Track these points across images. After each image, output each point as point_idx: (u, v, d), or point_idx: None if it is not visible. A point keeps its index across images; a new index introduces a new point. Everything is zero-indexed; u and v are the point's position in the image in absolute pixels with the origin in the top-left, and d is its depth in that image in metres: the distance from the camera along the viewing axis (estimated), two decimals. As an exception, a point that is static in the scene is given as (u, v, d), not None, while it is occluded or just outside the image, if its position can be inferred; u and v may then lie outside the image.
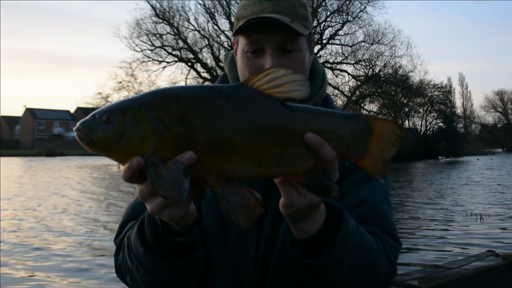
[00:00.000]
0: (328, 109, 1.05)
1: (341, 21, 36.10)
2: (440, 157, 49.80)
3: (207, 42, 36.47)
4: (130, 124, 0.92)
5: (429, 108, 47.87)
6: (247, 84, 0.97)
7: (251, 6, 1.34)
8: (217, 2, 35.75)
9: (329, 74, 34.18)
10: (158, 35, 35.46)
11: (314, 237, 1.11)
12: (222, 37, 36.85)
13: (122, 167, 0.94)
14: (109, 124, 0.92)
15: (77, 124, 0.94)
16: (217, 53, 36.71)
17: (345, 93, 37.81)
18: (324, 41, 35.76)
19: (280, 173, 0.99)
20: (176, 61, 36.16)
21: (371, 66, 37.28)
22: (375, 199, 1.33)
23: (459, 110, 67.19)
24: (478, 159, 47.78)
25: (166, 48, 35.79)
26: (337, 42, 36.77)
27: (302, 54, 1.34)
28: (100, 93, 35.68)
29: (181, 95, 0.95)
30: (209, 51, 36.60)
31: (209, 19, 36.39)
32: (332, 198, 1.00)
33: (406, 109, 45.14)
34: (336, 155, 0.98)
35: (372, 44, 36.71)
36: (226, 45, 36.42)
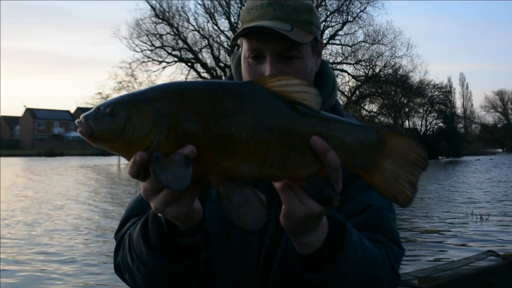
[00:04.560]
0: (337, 116, 1.03)
1: (341, 21, 36.14)
2: (440, 157, 49.73)
3: (207, 42, 36.52)
4: (134, 117, 0.91)
5: (429, 108, 47.83)
6: (257, 83, 0.95)
7: (253, 10, 1.32)
8: (216, 2, 35.78)
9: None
10: (158, 35, 35.51)
11: (316, 252, 1.09)
12: (222, 37, 36.92)
13: (126, 167, 0.93)
14: (113, 117, 0.91)
15: (81, 116, 0.93)
16: (217, 53, 36.77)
17: (345, 93, 37.80)
18: (324, 41, 35.59)
19: (283, 175, 0.96)
20: (176, 61, 36.18)
21: (371, 66, 37.32)
22: (378, 205, 1.32)
23: (459, 110, 67.34)
24: (478, 159, 47.78)
25: (166, 48, 35.84)
26: (337, 42, 36.84)
27: (304, 61, 1.31)
28: (100, 93, 35.85)
29: (186, 90, 0.94)
30: (209, 51, 36.64)
31: (209, 19, 36.45)
32: (334, 207, 0.99)
33: (406, 109, 45.13)
34: (340, 163, 0.96)
35: (372, 44, 36.75)
36: (226, 45, 36.42)
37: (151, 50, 35.50)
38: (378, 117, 42.16)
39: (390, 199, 0.99)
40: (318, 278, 1.10)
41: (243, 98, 0.94)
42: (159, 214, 1.05)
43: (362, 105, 40.40)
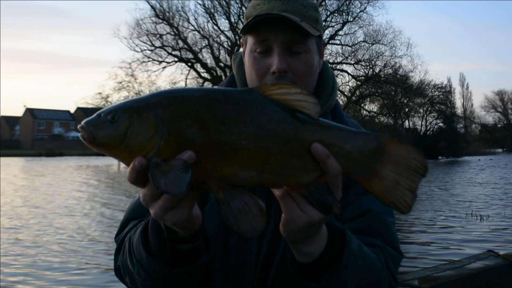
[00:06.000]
0: (337, 123, 1.02)
1: (341, 21, 36.11)
2: (440, 157, 49.71)
3: (207, 42, 36.48)
4: (134, 124, 0.92)
5: (429, 108, 47.79)
6: (257, 91, 0.95)
7: (261, 5, 1.33)
8: (216, 2, 35.76)
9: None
10: (158, 35, 35.47)
11: (316, 261, 1.09)
12: (222, 37, 36.89)
13: (126, 168, 0.93)
14: (114, 123, 0.92)
15: (82, 122, 0.94)
16: (217, 53, 36.73)
17: (345, 93, 37.76)
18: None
19: (283, 182, 0.96)
20: (176, 61, 36.15)
21: (371, 66, 37.26)
22: (378, 210, 1.32)
23: (459, 110, 67.35)
24: (479, 159, 47.78)
25: (166, 48, 35.80)
26: (337, 42, 36.79)
27: (311, 56, 1.32)
28: (100, 93, 35.76)
29: (187, 97, 0.94)
30: (209, 51, 36.61)
31: (209, 19, 36.43)
32: (334, 214, 0.98)
33: (406, 109, 45.08)
34: (341, 170, 0.96)
35: (372, 44, 36.72)
36: (226, 45, 36.42)
37: (151, 50, 35.50)
38: (378, 117, 42.13)
39: (390, 206, 0.99)
40: (318, 287, 1.10)
41: (243, 105, 0.94)
42: (159, 220, 1.05)
43: (362, 105, 40.35)
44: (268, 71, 1.30)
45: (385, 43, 36.75)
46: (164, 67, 35.94)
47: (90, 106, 35.84)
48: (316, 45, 1.36)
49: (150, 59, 35.47)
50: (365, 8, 35.85)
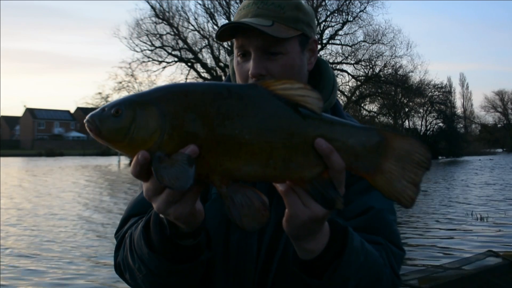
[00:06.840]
0: (340, 118, 1.03)
1: (341, 21, 36.11)
2: (440, 157, 49.71)
3: (207, 42, 36.45)
4: (138, 118, 0.92)
5: (429, 108, 47.81)
6: (261, 85, 0.96)
7: (241, 10, 1.35)
8: (217, 2, 35.76)
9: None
10: (158, 35, 35.46)
11: (318, 258, 1.09)
12: (222, 37, 36.78)
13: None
14: (118, 117, 0.92)
15: (88, 116, 0.95)
16: (217, 53, 36.71)
17: (345, 93, 37.75)
18: (324, 41, 35.73)
19: (286, 177, 0.97)
20: (176, 61, 36.14)
21: (371, 66, 37.25)
22: (379, 207, 1.32)
23: (459, 110, 67.46)
24: (480, 160, 47.79)
25: (166, 48, 35.78)
26: (337, 42, 36.78)
27: (290, 57, 1.31)
28: (100, 93, 35.71)
29: (191, 91, 0.94)
30: (209, 51, 36.59)
31: (209, 19, 36.43)
32: (337, 210, 0.98)
33: (406, 109, 45.09)
34: (345, 166, 0.96)
35: (372, 44, 36.71)
36: (226, 45, 36.36)
37: (151, 50, 35.47)
38: (378, 117, 42.12)
39: (393, 200, 0.99)
40: (320, 284, 1.10)
41: (247, 100, 0.94)
42: (161, 215, 1.05)
43: (362, 105, 40.33)
44: (248, 75, 1.32)
45: (384, 43, 36.78)
46: (164, 67, 35.95)
47: (90, 106, 35.89)
48: (299, 44, 1.34)
49: (150, 59, 35.48)
50: (365, 8, 35.87)
